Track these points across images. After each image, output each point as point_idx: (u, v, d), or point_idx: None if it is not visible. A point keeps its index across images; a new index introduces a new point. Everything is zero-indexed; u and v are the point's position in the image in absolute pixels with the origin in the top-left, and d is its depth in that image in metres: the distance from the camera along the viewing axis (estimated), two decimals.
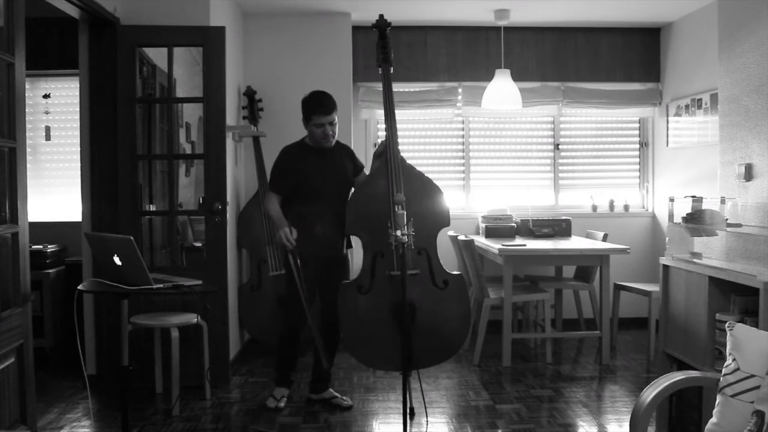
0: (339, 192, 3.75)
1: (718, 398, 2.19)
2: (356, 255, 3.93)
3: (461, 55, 5.89)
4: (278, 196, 3.76)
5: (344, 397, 3.95)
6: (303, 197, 3.75)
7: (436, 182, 6.25)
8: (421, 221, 3.49)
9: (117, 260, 2.91)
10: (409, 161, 5.94)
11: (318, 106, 3.71)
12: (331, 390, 3.98)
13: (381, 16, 3.76)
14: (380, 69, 3.73)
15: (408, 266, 3.47)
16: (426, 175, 3.71)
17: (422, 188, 3.59)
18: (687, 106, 5.51)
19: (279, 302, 4.97)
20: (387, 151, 3.58)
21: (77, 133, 4.68)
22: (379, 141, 3.72)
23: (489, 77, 5.54)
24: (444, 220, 3.65)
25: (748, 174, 3.73)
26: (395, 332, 3.50)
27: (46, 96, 5.53)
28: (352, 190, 3.79)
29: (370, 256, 3.56)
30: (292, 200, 3.77)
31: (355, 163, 3.94)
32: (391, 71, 3.75)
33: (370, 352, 3.60)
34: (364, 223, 3.56)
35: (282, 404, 3.86)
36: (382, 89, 3.73)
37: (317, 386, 3.98)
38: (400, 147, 3.65)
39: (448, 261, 5.53)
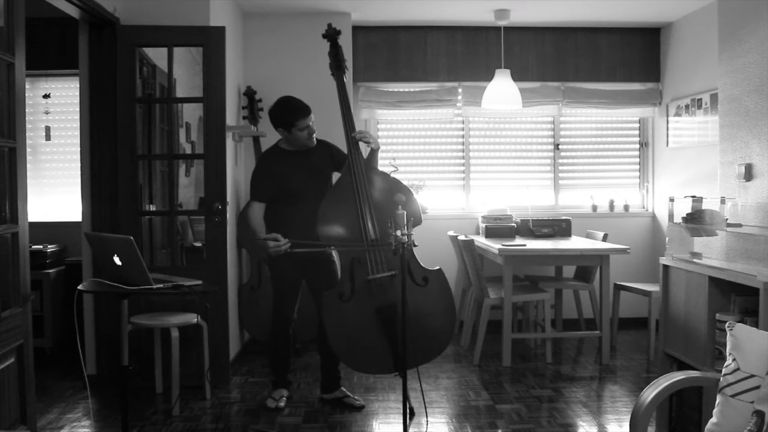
0: (320, 192, 3.74)
1: (718, 398, 2.19)
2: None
3: (461, 55, 5.89)
4: (261, 204, 3.77)
5: (356, 397, 3.96)
6: (286, 200, 3.76)
7: (436, 182, 6.28)
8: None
9: (117, 260, 2.91)
10: (409, 161, 6.03)
11: (299, 111, 3.71)
12: (343, 389, 3.99)
13: (329, 25, 3.90)
14: (334, 77, 3.84)
15: (384, 268, 3.56)
16: (392, 176, 3.76)
17: (390, 189, 3.62)
18: (687, 106, 5.51)
19: None
20: (351, 159, 3.66)
21: (77, 133, 4.68)
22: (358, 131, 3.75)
23: (489, 77, 5.54)
24: (416, 220, 3.67)
25: (748, 174, 3.74)
26: (383, 336, 3.54)
27: (46, 96, 5.53)
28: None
29: (347, 264, 3.61)
30: (275, 204, 3.79)
31: (334, 156, 3.90)
32: (346, 79, 3.86)
33: (361, 358, 3.63)
34: (335, 233, 3.60)
35: (282, 404, 3.87)
36: (338, 99, 3.81)
37: (328, 385, 3.99)
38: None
39: (449, 261, 5.56)
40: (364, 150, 3.77)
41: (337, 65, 3.86)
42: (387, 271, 3.56)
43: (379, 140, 3.83)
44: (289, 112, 3.72)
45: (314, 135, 3.78)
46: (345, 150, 3.78)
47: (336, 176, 3.87)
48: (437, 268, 3.70)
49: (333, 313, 3.58)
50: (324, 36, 3.89)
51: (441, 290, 3.65)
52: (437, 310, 3.63)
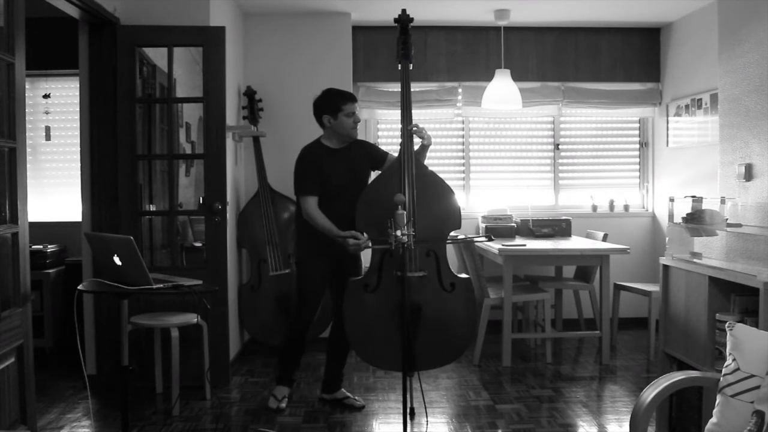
0: (356, 192, 3.68)
1: (718, 398, 2.19)
2: (365, 252, 3.84)
3: (461, 55, 5.89)
4: (315, 198, 3.70)
5: (356, 398, 3.95)
6: (322, 197, 3.73)
7: None
8: (431, 222, 3.49)
9: (117, 260, 2.91)
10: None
11: (347, 95, 3.73)
12: (343, 390, 3.99)
13: (404, 11, 3.73)
14: (399, 65, 3.72)
15: (415, 267, 3.48)
16: (439, 176, 3.69)
17: (434, 189, 3.58)
18: (687, 106, 5.51)
19: (278, 302, 4.98)
20: (402, 150, 3.58)
21: (77, 133, 4.68)
22: (417, 125, 3.66)
23: (489, 77, 5.54)
24: (455, 223, 3.61)
25: (748, 174, 3.74)
26: (399, 332, 3.50)
27: (46, 96, 5.53)
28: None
29: (378, 254, 3.55)
30: None
31: (374, 154, 3.88)
32: (411, 68, 3.73)
33: (373, 350, 3.59)
34: (373, 221, 3.52)
35: (283, 405, 3.86)
36: (400, 88, 3.69)
37: (330, 386, 3.98)
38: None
39: (448, 261, 5.54)
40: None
41: (405, 53, 3.71)
42: (418, 271, 3.50)
43: (432, 138, 3.78)
44: (337, 97, 3.72)
45: (358, 124, 3.77)
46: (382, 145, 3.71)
47: (374, 175, 3.85)
48: (467, 276, 3.66)
49: (355, 300, 3.54)
50: (396, 21, 3.72)
51: (466, 299, 3.58)
52: (459, 317, 3.57)
